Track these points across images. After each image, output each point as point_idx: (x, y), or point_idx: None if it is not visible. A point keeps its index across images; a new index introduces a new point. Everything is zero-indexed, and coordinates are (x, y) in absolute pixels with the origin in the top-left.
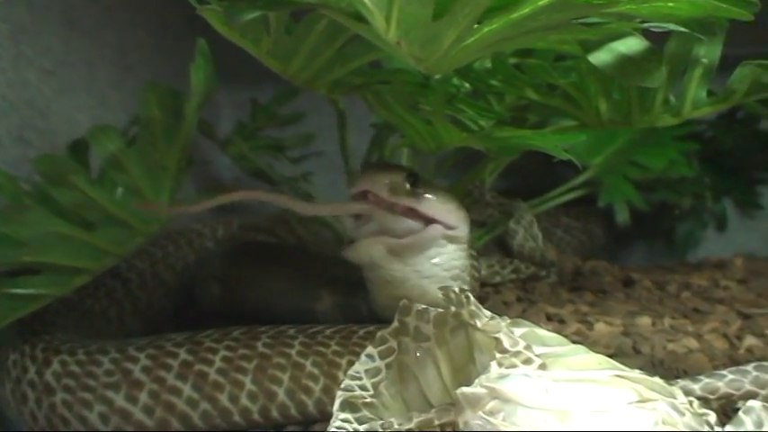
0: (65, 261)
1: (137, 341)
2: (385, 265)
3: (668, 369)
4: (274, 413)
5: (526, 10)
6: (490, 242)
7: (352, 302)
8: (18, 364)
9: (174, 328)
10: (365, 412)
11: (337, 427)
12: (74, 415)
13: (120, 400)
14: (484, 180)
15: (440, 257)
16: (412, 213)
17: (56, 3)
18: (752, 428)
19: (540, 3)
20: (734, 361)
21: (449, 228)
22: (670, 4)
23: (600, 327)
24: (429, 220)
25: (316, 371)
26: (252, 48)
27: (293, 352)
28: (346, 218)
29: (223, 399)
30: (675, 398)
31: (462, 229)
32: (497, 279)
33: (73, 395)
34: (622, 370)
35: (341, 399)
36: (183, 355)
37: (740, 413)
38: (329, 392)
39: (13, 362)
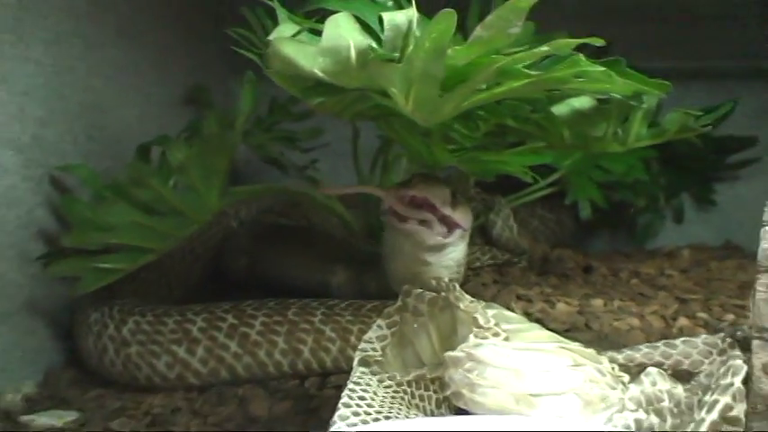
0: (138, 243)
1: (193, 307)
2: (422, 253)
3: (612, 343)
4: (300, 366)
5: (505, 88)
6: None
7: (363, 278)
8: (99, 321)
9: (208, 296)
10: (376, 367)
11: (358, 377)
12: (145, 363)
13: (181, 352)
14: (469, 177)
15: (454, 253)
16: (446, 219)
17: (111, 16)
18: (648, 387)
19: (515, 84)
20: (666, 337)
21: (465, 231)
22: (607, 85)
23: (560, 306)
24: (455, 225)
25: (333, 335)
26: (298, 93)
27: (316, 320)
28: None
29: (261, 354)
30: (601, 363)
31: (469, 229)
32: (477, 264)
33: (144, 348)
34: (565, 343)
35: (359, 357)
36: (230, 319)
37: (641, 375)
38: (344, 352)
39: (95, 320)
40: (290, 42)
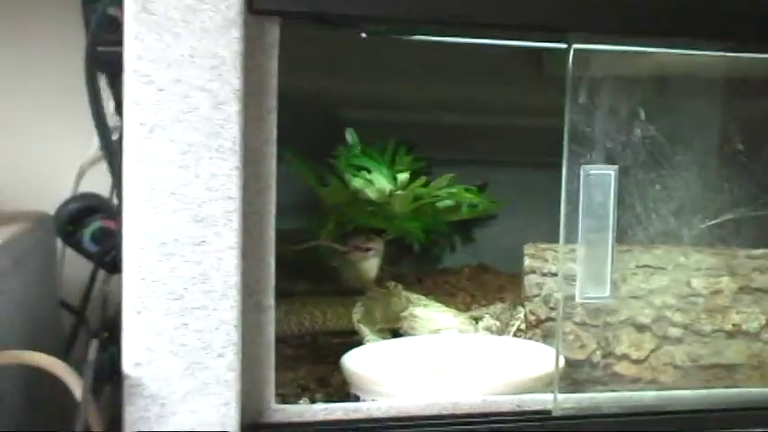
0: None
1: None
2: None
3: None
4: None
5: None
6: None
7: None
8: None
9: None
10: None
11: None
12: None
13: None
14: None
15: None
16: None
17: None
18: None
19: (440, 206)
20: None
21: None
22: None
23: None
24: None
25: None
26: (317, 189)
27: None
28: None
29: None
30: (460, 316)
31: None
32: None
33: None
34: (448, 308)
35: (355, 318)
36: None
37: (479, 323)
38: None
39: None
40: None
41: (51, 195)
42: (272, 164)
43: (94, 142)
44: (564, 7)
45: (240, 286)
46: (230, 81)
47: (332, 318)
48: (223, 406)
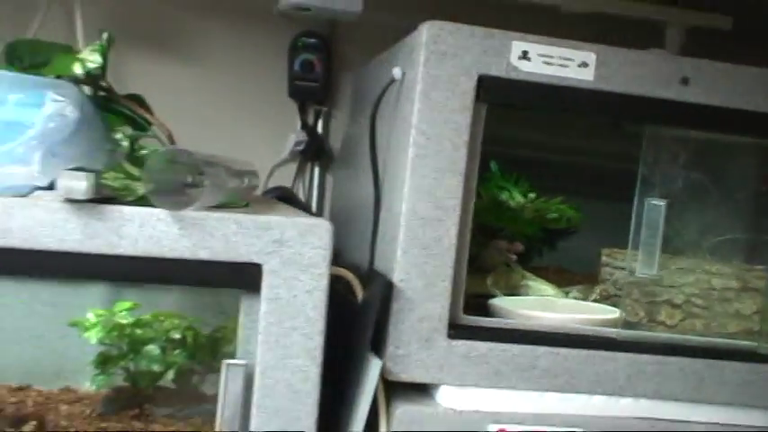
0: None
1: None
2: None
3: None
4: None
5: (551, 215)
6: None
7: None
8: None
9: None
10: None
11: None
12: None
13: None
14: None
15: None
16: None
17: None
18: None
19: (549, 217)
20: None
21: None
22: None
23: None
24: None
25: None
26: None
27: None
28: None
29: None
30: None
31: None
32: None
33: None
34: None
35: None
36: None
37: None
38: None
39: None
40: None
41: None
42: (474, 183)
43: (286, 148)
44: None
45: (456, 246)
46: (462, 136)
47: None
48: (442, 308)
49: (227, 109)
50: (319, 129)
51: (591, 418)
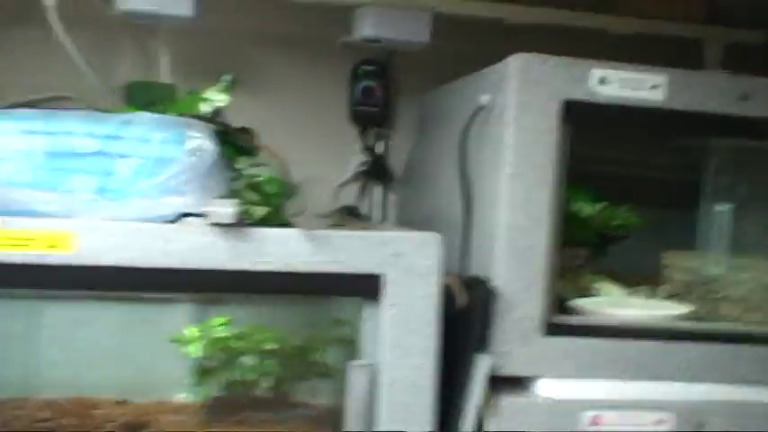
0: None
1: None
2: None
3: None
4: None
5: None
6: None
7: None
8: None
9: None
10: None
11: None
12: None
13: None
14: None
15: None
16: None
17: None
18: None
19: (612, 224)
20: None
21: None
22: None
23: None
24: None
25: None
26: None
27: None
28: None
29: None
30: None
31: None
32: None
33: None
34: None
35: None
36: None
37: None
38: None
39: None
40: None
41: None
42: (562, 195)
43: (348, 170)
44: None
45: (548, 252)
46: (551, 154)
47: None
48: (537, 309)
49: (293, 134)
50: (380, 150)
51: (675, 402)
